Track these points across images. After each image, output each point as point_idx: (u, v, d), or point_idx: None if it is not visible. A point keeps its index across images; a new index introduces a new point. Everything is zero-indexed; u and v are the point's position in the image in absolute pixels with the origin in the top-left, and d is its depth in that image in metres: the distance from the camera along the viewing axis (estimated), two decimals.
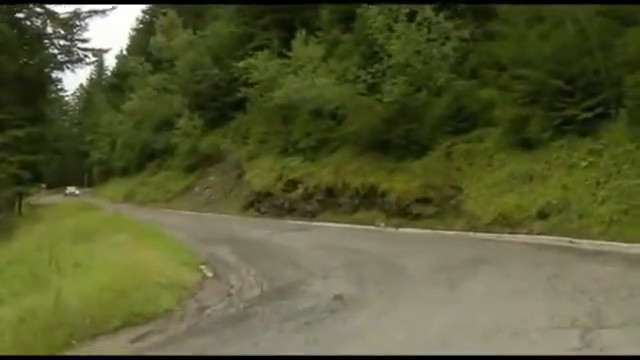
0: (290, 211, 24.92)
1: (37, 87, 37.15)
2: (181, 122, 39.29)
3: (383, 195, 20.85)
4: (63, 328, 9.08)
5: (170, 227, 20.78)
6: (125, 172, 53.62)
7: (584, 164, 16.24)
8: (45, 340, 8.89)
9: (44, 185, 46.32)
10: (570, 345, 6.56)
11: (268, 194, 26.54)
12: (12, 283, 12.43)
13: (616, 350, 6.37)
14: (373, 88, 22.40)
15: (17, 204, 37.01)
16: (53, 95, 56.89)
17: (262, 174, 27.69)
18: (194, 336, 8.80)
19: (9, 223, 29.44)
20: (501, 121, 19.50)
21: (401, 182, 20.60)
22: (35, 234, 19.95)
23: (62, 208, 29.56)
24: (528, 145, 18.17)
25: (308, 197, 24.67)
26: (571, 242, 14.07)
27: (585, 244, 13.76)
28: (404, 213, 19.74)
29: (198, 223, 25.10)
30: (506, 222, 16.71)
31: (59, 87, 72.34)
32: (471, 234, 16.78)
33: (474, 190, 18.68)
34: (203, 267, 13.50)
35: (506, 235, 15.92)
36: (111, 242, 14.76)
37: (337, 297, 9.94)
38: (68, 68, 38.72)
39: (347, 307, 9.52)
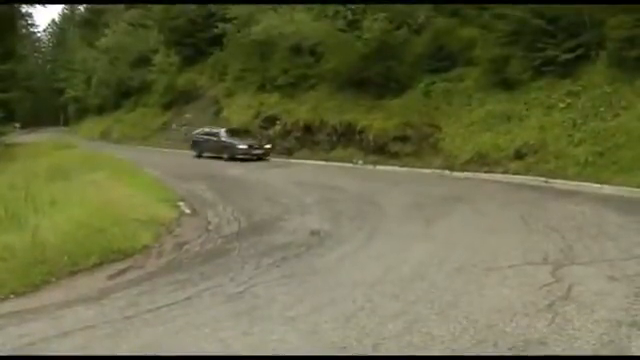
0: None
1: (6, 22, 36.09)
2: (157, 58, 38.60)
3: (361, 133, 20.87)
4: (41, 265, 9.08)
5: (147, 165, 20.65)
6: (101, 110, 52.77)
7: (562, 105, 16.34)
8: (24, 277, 8.90)
9: (18, 124, 45.43)
10: (541, 280, 6.72)
11: (246, 131, 26.44)
12: None
13: (584, 285, 6.54)
14: (353, 25, 22.13)
15: None
16: (24, 31, 55.46)
17: (240, 111, 27.51)
18: (172, 272, 8.86)
19: None
20: (481, 61, 19.44)
21: (379, 120, 20.60)
22: (10, 173, 19.68)
23: (37, 147, 29.09)
24: (507, 85, 18.20)
25: (286, 134, 24.65)
26: (546, 182, 14.28)
27: (560, 184, 13.98)
28: (382, 151, 19.81)
29: (175, 160, 24.98)
30: (483, 161, 16.87)
31: (30, 22, 70.87)
32: (448, 172, 16.93)
33: (452, 129, 18.75)
34: (181, 204, 13.51)
35: (483, 174, 16.08)
36: (88, 180, 14.65)
37: (314, 233, 10.06)
38: (39, 2, 37.57)
39: (323, 243, 9.65)
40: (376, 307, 6.35)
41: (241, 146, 23.99)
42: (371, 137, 20.44)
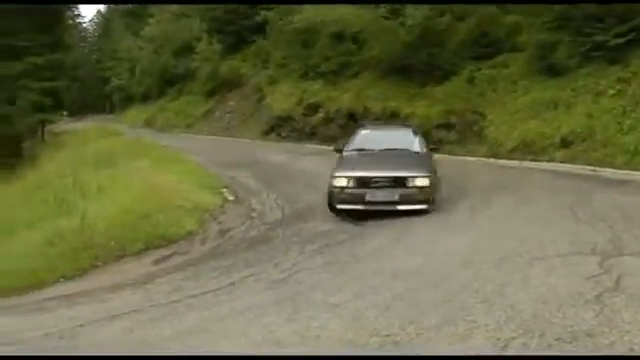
0: (311, 135, 24.87)
1: (54, 14, 36.80)
2: (200, 47, 38.84)
3: (404, 120, 20.71)
4: (89, 250, 9.32)
5: (191, 152, 20.88)
6: (145, 98, 53.42)
7: (611, 92, 15.90)
8: (73, 262, 9.15)
9: (65, 112, 46.31)
10: (589, 270, 6.59)
11: (288, 118, 26.42)
12: (39, 208, 12.71)
13: (633, 276, 6.38)
14: (395, 12, 21.94)
15: (40, 131, 37.33)
16: (70, 21, 56.38)
17: (282, 98, 27.49)
18: (216, 258, 8.98)
19: (34, 150, 29.80)
20: (527, 46, 19.08)
21: (422, 107, 20.43)
22: (59, 160, 20.17)
23: (84, 135, 29.73)
24: (554, 72, 17.81)
25: (329, 121, 24.57)
26: (594, 170, 13.97)
27: (608, 173, 13.66)
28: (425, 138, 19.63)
29: (219, 147, 25.18)
30: (528, 149, 16.59)
31: (76, 13, 72.00)
32: (492, 160, 16.69)
33: (497, 116, 18.47)
34: (225, 190, 13.63)
35: (528, 162, 15.82)
36: (133, 167, 14.90)
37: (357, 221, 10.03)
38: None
39: (367, 230, 9.64)
40: (419, 295, 6.31)
41: None
42: (414, 124, 20.27)
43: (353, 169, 11.08)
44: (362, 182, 10.57)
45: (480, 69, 20.21)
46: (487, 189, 12.16)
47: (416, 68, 21.59)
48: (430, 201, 10.41)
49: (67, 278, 8.92)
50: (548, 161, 15.46)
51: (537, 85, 18.08)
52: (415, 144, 12.11)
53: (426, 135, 18.88)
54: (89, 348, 6.09)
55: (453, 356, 4.81)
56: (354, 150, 12.21)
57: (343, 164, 11.56)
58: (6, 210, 13.92)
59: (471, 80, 20.22)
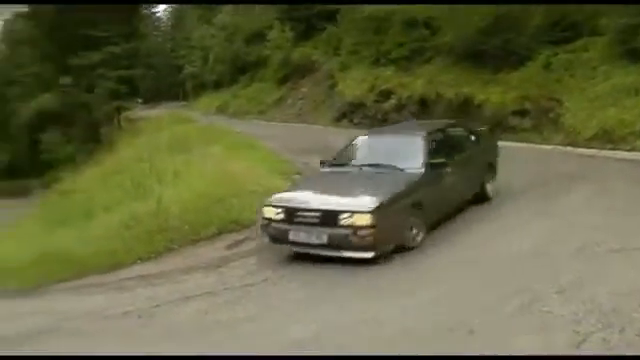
0: (382, 122, 24.62)
1: (130, 4, 37.74)
2: (272, 34, 39.14)
3: (478, 107, 20.29)
4: (164, 233, 9.57)
5: (263, 138, 21.07)
6: (218, 85, 54.22)
7: None
8: (148, 244, 9.41)
9: (140, 100, 47.57)
10: None
11: (360, 105, 26.29)
12: (117, 192, 13.13)
13: None
14: None
15: (116, 118, 38.45)
16: (145, 11, 57.63)
17: (354, 85, 27.38)
18: None
19: (110, 136, 30.78)
20: (607, 31, 18.34)
21: (497, 93, 19.94)
22: (135, 146, 20.73)
23: (159, 121, 30.46)
24: (636, 56, 17.08)
25: (401, 108, 24.33)
26: None
27: None
28: (499, 125, 19.17)
29: (291, 134, 25.33)
30: (607, 138, 15.95)
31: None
32: (569, 149, 16.16)
33: (574, 103, 17.84)
34: (297, 176, 13.66)
35: (607, 151, 15.24)
36: (207, 153, 15.15)
37: None
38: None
39: None
40: (494, 283, 6.20)
41: None
42: (488, 111, 19.82)
43: (294, 194, 8.88)
44: (289, 215, 8.14)
45: (557, 54, 19.55)
46: (565, 178, 11.79)
47: (490, 54, 21.10)
48: (377, 247, 7.53)
49: (143, 260, 9.21)
50: (629, 150, 14.84)
51: (618, 71, 17.36)
52: (413, 158, 8.85)
53: (500, 122, 18.69)
54: (164, 329, 6.26)
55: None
56: (333, 165, 9.83)
57: (296, 185, 9.94)
58: (85, 194, 14.42)
59: (547, 65, 19.59)
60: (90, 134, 34.26)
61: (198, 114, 37.75)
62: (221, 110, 46.34)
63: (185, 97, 68.88)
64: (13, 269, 9.42)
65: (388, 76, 25.82)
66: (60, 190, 16.85)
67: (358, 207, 7.60)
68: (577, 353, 4.49)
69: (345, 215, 7.54)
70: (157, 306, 7.11)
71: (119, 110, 36.50)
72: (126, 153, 19.54)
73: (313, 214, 7.86)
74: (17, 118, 39.36)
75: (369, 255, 7.46)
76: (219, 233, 9.71)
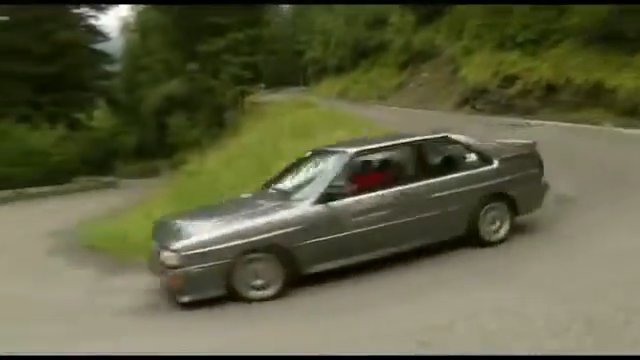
0: (506, 108, 23.97)
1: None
2: (393, 18, 38.97)
3: (610, 92, 19.24)
4: None
5: (384, 123, 21.00)
6: (339, 70, 54.69)
7: None
8: None
9: (263, 85, 48.69)
10: None
11: (483, 90, 25.67)
12: (241, 173, 13.49)
13: None
14: None
15: (240, 103, 39.58)
16: None
17: (477, 70, 26.74)
18: None
19: (235, 120, 31.75)
20: None
21: (631, 79, 18.81)
22: (258, 129, 21.24)
23: (281, 106, 31.03)
24: None
25: (526, 93, 23.52)
26: None
27: None
28: (633, 113, 18.11)
29: (411, 120, 25.11)
30: None
31: None
32: None
33: None
34: None
35: None
36: (329, 137, 15.23)
37: (561, 198, 9.61)
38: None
39: (575, 207, 9.35)
40: (635, 279, 5.85)
41: None
42: (621, 97, 18.75)
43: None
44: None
45: None
46: None
47: (624, 36, 19.89)
48: (187, 292, 6.75)
49: None
50: None
51: None
52: (315, 186, 7.56)
53: (635, 109, 17.58)
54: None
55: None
56: (265, 186, 8.91)
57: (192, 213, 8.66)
58: (211, 175, 14.94)
59: None
60: (214, 118, 35.48)
61: (319, 99, 38.17)
62: (341, 95, 46.70)
63: (306, 82, 69.89)
64: (145, 243, 9.96)
65: (513, 60, 25.03)
66: (187, 171, 17.59)
67: (171, 244, 6.87)
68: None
69: (163, 252, 6.95)
70: None
71: (242, 95, 37.51)
72: (250, 137, 20.05)
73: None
74: (146, 103, 41.43)
75: (184, 299, 6.77)
76: None
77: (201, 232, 7.03)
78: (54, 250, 12.22)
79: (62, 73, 39.01)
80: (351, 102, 39.89)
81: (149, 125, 42.26)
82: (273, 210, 7.28)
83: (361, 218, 7.24)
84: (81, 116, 43.15)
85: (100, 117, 48.14)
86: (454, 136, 8.43)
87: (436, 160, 8.22)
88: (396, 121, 23.15)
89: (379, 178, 7.84)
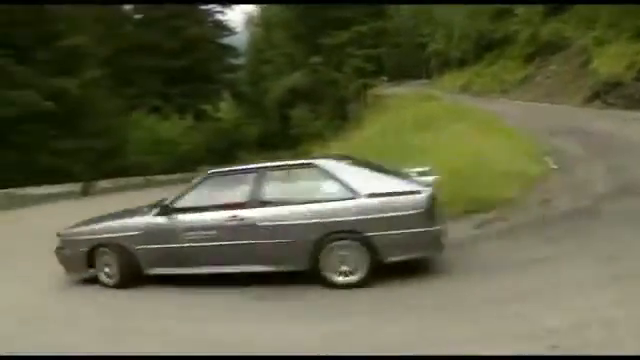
0: None
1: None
2: (520, 9, 37.76)
3: None
4: None
5: (509, 117, 20.43)
6: (461, 63, 53.69)
7: None
8: None
9: (385, 78, 48.58)
10: None
11: (617, 84, 24.25)
12: None
13: None
14: None
15: (362, 95, 39.73)
16: None
17: (610, 61, 25.28)
18: (537, 227, 8.76)
19: (357, 113, 31.90)
20: None
21: None
22: (381, 122, 21.19)
23: (403, 98, 30.80)
24: None
25: None
26: None
27: None
28: None
29: (536, 114, 24.25)
30: None
31: None
32: None
33: None
34: (547, 159, 13.10)
35: None
36: (452, 130, 15.03)
37: None
38: None
39: None
40: None
41: None
42: None
43: None
44: None
45: None
46: None
47: None
48: (67, 270, 8.64)
49: None
50: None
51: None
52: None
53: None
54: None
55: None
56: None
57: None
58: None
59: None
60: (337, 111, 35.85)
61: (441, 92, 37.65)
62: (464, 88, 45.87)
63: (428, 75, 69.14)
64: None
65: None
66: None
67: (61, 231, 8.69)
68: None
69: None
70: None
71: (365, 87, 37.62)
72: (372, 129, 20.06)
73: None
74: (269, 95, 42.51)
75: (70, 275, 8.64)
76: (466, 212, 9.63)
77: (87, 225, 8.61)
78: None
79: (191, 66, 40.85)
80: (473, 96, 39.07)
81: (272, 117, 43.37)
82: (131, 216, 8.38)
83: (192, 234, 7.62)
84: (207, 107, 45.03)
85: (225, 108, 49.93)
86: (324, 163, 7.59)
87: (286, 188, 7.67)
88: (519, 116, 22.48)
89: (222, 199, 7.81)
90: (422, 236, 6.99)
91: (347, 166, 7.70)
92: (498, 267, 7.23)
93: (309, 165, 7.67)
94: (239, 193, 7.74)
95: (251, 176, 7.75)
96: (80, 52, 29.81)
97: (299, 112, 36.77)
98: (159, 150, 32.35)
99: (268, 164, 7.95)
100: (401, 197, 7.02)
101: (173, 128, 34.26)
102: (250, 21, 58.11)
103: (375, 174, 7.61)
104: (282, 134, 39.82)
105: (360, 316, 6.11)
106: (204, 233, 7.59)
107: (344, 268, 7.06)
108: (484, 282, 6.75)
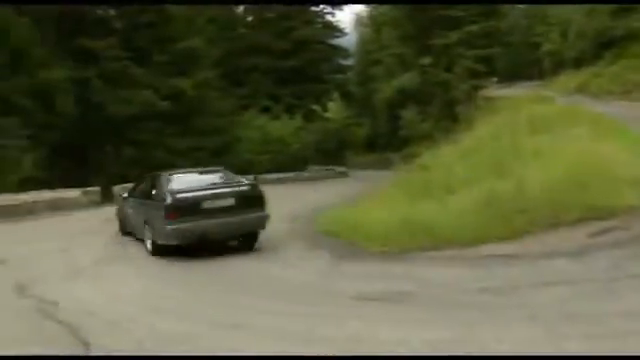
0: None
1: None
2: None
3: None
4: (523, 214, 9.48)
5: (631, 120, 19.40)
6: (578, 63, 51.29)
7: None
8: (506, 224, 9.41)
9: (495, 79, 47.42)
10: None
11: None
12: (475, 168, 13.32)
13: None
14: None
15: (473, 97, 38.96)
16: None
17: None
18: None
19: (467, 114, 31.32)
20: None
21: None
22: (492, 124, 20.69)
23: (515, 100, 29.92)
24: None
25: None
26: None
27: None
28: None
29: None
30: None
31: None
32: None
33: None
34: None
35: None
36: (568, 134, 14.43)
37: None
38: None
39: None
40: None
41: None
42: None
43: None
44: None
45: None
46: None
47: None
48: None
49: (501, 239, 9.25)
50: None
51: None
52: None
53: None
54: (522, 310, 6.15)
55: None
56: None
57: None
58: (444, 170, 14.89)
59: None
60: (446, 112, 35.34)
61: (556, 94, 36.24)
62: (580, 90, 43.93)
63: (541, 76, 66.81)
64: (380, 233, 10.29)
65: None
66: (420, 164, 17.72)
67: None
68: None
69: None
70: (515, 287, 7.09)
71: (475, 89, 36.88)
72: (483, 131, 19.64)
73: None
74: (378, 96, 42.48)
75: None
76: (581, 219, 9.23)
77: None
78: (292, 233, 13.01)
79: (301, 67, 41.48)
80: (591, 97, 37.39)
81: (380, 118, 43.40)
82: None
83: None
84: (317, 108, 45.49)
85: (334, 109, 50.33)
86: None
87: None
88: None
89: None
90: None
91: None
92: (601, 281, 6.88)
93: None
94: None
95: None
96: (195, 54, 30.91)
97: (408, 113, 36.56)
98: (269, 149, 33.02)
99: None
100: None
101: (283, 128, 34.83)
102: (359, 22, 58.26)
103: None
104: (390, 135, 39.76)
105: None
106: None
107: None
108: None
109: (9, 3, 25.47)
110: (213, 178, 11.99)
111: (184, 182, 11.33)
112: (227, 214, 10.64)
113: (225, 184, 11.54)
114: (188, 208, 10.44)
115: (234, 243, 11.49)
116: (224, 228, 10.70)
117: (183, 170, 14.16)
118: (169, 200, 10.44)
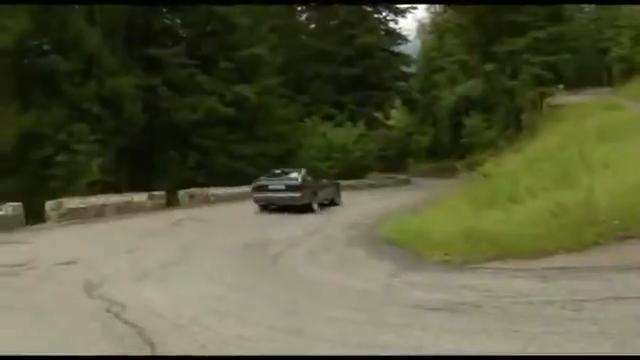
0: None
1: None
2: None
3: None
4: (592, 226, 9.25)
5: None
6: None
7: None
8: (574, 235, 9.19)
9: (561, 86, 46.31)
10: None
11: None
12: (541, 178, 13.07)
13: None
14: None
15: (539, 104, 38.20)
16: None
17: None
18: None
19: (533, 122, 30.78)
20: None
21: None
22: (558, 133, 20.29)
23: (582, 108, 29.18)
24: None
25: None
26: None
27: None
28: None
29: None
30: None
31: None
32: None
33: None
34: None
35: None
36: (639, 143, 14.00)
37: None
38: None
39: None
40: None
41: None
42: None
43: None
44: None
45: None
46: None
47: None
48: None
49: (567, 250, 9.05)
50: None
51: None
52: None
53: None
54: (593, 326, 5.98)
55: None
56: None
57: None
58: (509, 178, 14.67)
59: None
60: (511, 120, 34.87)
61: (626, 101, 35.22)
62: None
63: (610, 83, 64.95)
64: (443, 242, 10.18)
65: None
66: (484, 172, 17.52)
67: None
68: None
69: None
70: (583, 301, 6.91)
71: (541, 96, 36.21)
72: (549, 140, 19.27)
73: None
74: (441, 103, 42.12)
75: None
76: None
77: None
78: (354, 241, 13.02)
79: (363, 74, 41.52)
80: None
81: (443, 125, 43.04)
82: None
83: None
84: (379, 115, 45.40)
85: (396, 116, 50.12)
86: None
87: None
88: None
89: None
90: None
91: None
92: None
93: None
94: None
95: None
96: (258, 61, 31.33)
97: (471, 121, 36.15)
98: (331, 156, 33.18)
99: None
100: None
101: (345, 135, 34.95)
102: (422, 29, 57.90)
103: None
104: (453, 143, 39.40)
105: None
106: None
107: None
108: None
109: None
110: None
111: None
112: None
113: None
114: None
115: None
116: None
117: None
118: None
